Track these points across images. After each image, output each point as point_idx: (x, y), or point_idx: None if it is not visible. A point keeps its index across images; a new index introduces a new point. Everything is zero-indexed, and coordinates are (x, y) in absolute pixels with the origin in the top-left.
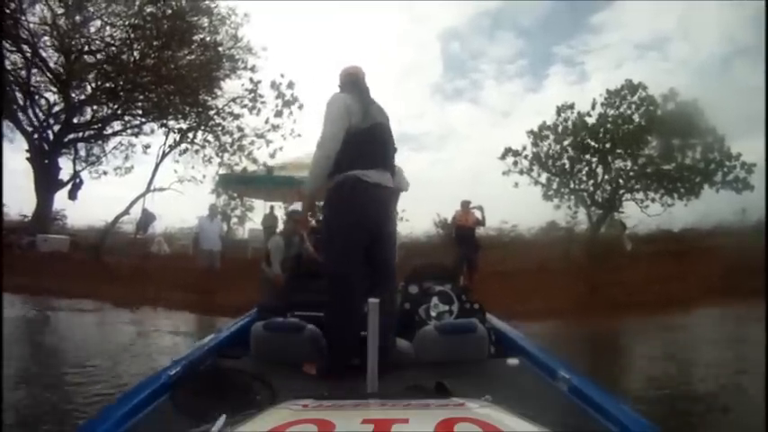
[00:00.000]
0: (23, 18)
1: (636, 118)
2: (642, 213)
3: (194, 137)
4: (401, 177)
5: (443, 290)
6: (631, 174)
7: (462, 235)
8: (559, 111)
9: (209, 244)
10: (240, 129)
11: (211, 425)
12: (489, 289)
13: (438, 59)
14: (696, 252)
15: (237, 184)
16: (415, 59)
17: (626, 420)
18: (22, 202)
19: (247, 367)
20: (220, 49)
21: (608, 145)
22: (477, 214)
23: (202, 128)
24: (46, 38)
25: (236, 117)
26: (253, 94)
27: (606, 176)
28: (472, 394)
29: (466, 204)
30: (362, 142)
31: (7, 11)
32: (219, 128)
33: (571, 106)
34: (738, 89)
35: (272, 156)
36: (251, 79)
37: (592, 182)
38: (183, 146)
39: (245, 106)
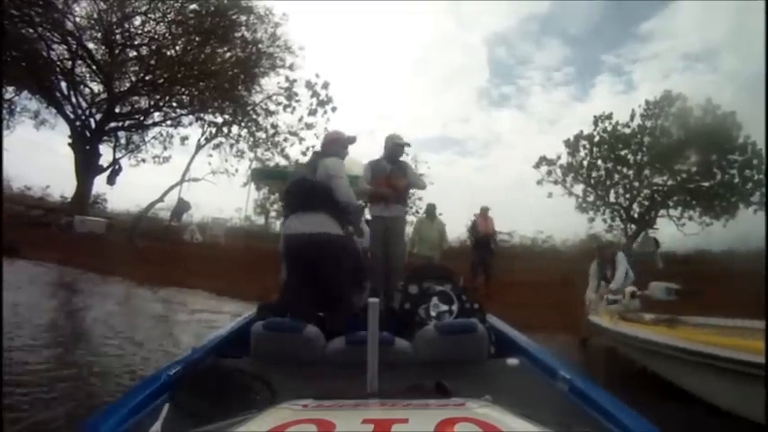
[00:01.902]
0: (70, 12)
1: (673, 130)
2: (679, 231)
3: (229, 131)
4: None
5: (443, 290)
6: (665, 189)
7: (480, 241)
8: (597, 121)
9: None
10: (274, 126)
11: (212, 425)
12: (504, 298)
13: (484, 64)
14: (726, 276)
15: (270, 179)
16: (461, 63)
17: (626, 420)
18: (64, 184)
19: (247, 367)
20: (260, 46)
21: (645, 158)
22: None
23: (238, 122)
24: (91, 31)
25: (271, 114)
26: (288, 93)
27: (642, 190)
28: (472, 394)
29: (485, 211)
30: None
31: (56, 4)
32: (254, 124)
33: (609, 116)
34: None
35: (304, 153)
36: (287, 77)
37: (628, 195)
38: (218, 139)
39: (279, 104)
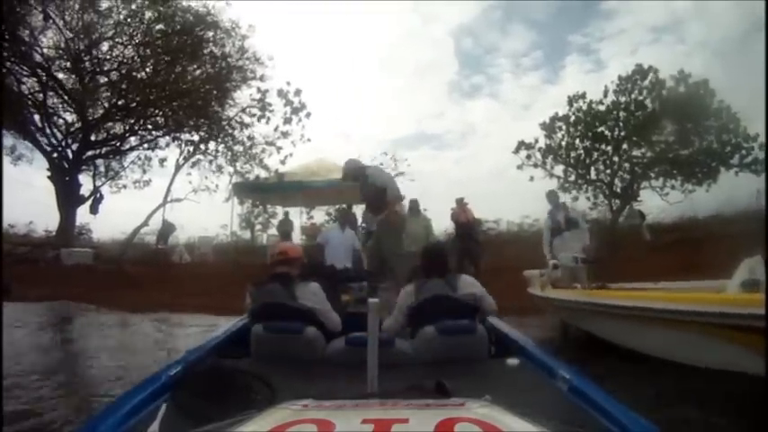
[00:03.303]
0: (37, 44)
1: (648, 103)
2: (663, 201)
3: (207, 148)
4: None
5: None
6: (645, 161)
7: (461, 230)
8: (571, 101)
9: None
10: (250, 138)
11: (212, 425)
12: (494, 284)
13: (453, 57)
14: (712, 240)
15: (252, 192)
16: (429, 58)
17: (625, 420)
18: (47, 218)
19: (247, 367)
20: (229, 60)
21: (622, 133)
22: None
23: (214, 138)
24: (60, 61)
25: (246, 126)
26: (261, 104)
27: (622, 165)
28: (472, 394)
29: (460, 201)
30: None
31: (23, 37)
32: (230, 138)
33: (583, 95)
34: (758, 68)
35: (283, 162)
36: (258, 89)
37: (609, 171)
38: (196, 157)
39: (254, 116)
